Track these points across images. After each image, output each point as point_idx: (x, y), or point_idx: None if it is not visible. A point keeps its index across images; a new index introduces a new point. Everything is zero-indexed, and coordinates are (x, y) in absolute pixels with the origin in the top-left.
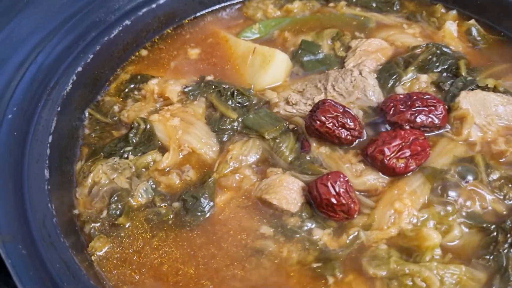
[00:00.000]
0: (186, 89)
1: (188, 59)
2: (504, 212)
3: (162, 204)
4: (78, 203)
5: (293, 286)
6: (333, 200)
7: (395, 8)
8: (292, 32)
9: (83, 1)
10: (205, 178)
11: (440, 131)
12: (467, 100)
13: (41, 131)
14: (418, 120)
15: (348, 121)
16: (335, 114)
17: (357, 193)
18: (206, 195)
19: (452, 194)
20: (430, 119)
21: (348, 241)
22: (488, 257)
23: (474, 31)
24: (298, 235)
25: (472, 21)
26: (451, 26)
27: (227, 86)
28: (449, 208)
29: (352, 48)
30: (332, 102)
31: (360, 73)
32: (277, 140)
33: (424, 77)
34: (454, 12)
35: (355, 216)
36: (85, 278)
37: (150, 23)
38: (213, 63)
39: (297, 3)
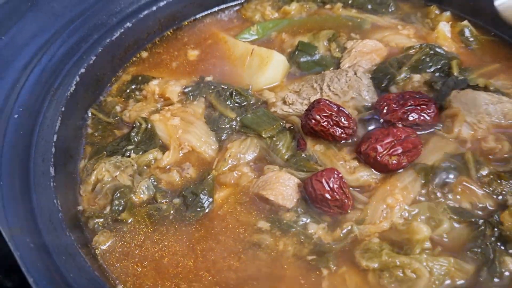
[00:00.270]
0: (186, 90)
1: (188, 60)
2: (492, 207)
3: (163, 201)
4: (82, 200)
5: (289, 277)
6: (328, 196)
7: (390, 10)
8: (289, 34)
9: (85, 4)
10: (204, 175)
11: (431, 129)
12: (458, 99)
13: (46, 131)
14: (410, 118)
15: (342, 119)
16: (329, 113)
17: (351, 189)
18: (206, 192)
19: (442, 189)
20: (422, 117)
21: (342, 235)
22: (476, 250)
23: (467, 32)
24: (293, 229)
25: (465, 22)
26: (444, 27)
27: (226, 87)
28: (439, 203)
29: (348, 49)
30: (327, 102)
31: (355, 74)
32: (274, 139)
33: (417, 77)
34: (448, 13)
35: (349, 211)
36: (90, 269)
37: (151, 25)
38: (212, 64)
39: (294, 5)
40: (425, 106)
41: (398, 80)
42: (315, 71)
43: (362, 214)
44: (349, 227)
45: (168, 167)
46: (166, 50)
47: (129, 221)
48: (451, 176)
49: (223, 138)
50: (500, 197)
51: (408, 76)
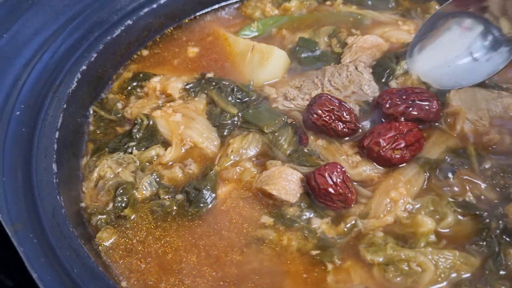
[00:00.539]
0: (187, 86)
1: (189, 57)
2: (496, 200)
3: (166, 197)
4: (85, 196)
5: (294, 272)
6: (331, 190)
7: (390, 6)
8: (290, 30)
9: (86, 2)
10: (207, 171)
11: (433, 125)
12: (457, 97)
13: (48, 128)
14: (413, 113)
15: (344, 114)
16: (331, 107)
17: (354, 183)
18: (208, 187)
19: (445, 182)
20: (424, 113)
21: (345, 229)
22: (481, 242)
23: None
24: (297, 224)
25: None
26: None
27: (227, 83)
28: (443, 196)
29: (349, 45)
30: (329, 96)
31: (356, 68)
32: (276, 134)
33: None
34: None
35: (352, 205)
36: (94, 265)
37: (151, 22)
38: (213, 61)
39: (294, 1)
40: (427, 102)
41: (397, 75)
42: (316, 66)
43: (365, 208)
44: (353, 221)
45: (170, 163)
46: (167, 48)
47: (132, 217)
48: (454, 169)
49: (225, 133)
50: (503, 190)
51: (407, 68)
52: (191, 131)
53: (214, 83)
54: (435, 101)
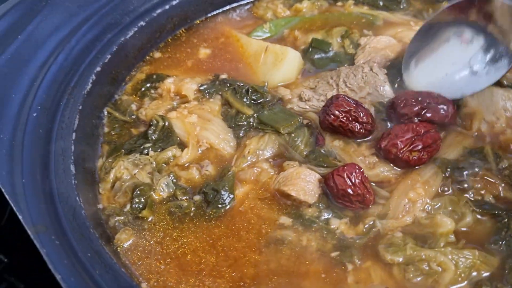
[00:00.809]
0: (202, 87)
1: (201, 58)
2: None
3: (184, 198)
4: (102, 198)
5: (314, 272)
6: (349, 191)
7: (401, 6)
8: (302, 31)
9: (99, 3)
10: (224, 172)
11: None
12: (474, 97)
13: (65, 129)
14: (428, 114)
15: (361, 114)
16: (348, 108)
17: (372, 184)
18: (227, 188)
19: (463, 183)
20: (438, 116)
21: (364, 230)
22: (500, 242)
23: None
24: (315, 225)
25: None
26: None
27: (241, 84)
28: (461, 196)
29: (362, 45)
30: (345, 97)
31: (371, 69)
32: (292, 135)
33: None
34: None
35: (370, 206)
36: (117, 267)
37: (164, 24)
38: (226, 62)
39: (306, 2)
40: (442, 105)
41: None
42: (329, 67)
43: (384, 208)
44: (372, 222)
45: (187, 164)
46: (179, 49)
47: (150, 218)
48: (472, 169)
49: (241, 134)
50: None
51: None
52: (207, 132)
53: (228, 84)
54: (450, 105)
